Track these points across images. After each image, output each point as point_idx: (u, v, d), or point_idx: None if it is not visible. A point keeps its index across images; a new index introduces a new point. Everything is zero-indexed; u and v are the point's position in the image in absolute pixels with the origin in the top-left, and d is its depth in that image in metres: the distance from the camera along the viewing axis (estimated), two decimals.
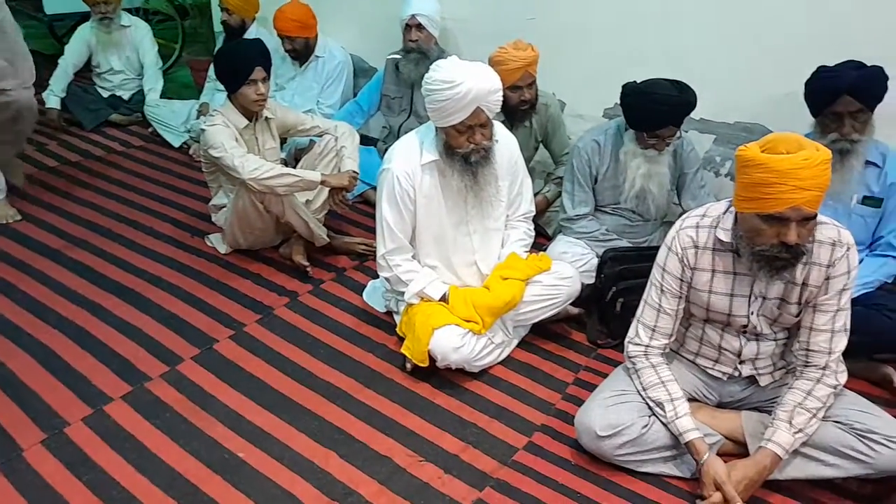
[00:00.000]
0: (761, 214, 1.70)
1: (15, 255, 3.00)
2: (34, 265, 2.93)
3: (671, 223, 2.00)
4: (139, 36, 4.46)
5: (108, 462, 1.99)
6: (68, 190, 3.63)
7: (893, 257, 2.39)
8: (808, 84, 2.37)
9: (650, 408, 1.96)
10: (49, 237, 3.16)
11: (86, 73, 4.52)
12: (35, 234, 3.18)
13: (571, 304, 2.57)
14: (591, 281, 2.64)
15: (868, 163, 2.37)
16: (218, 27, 4.44)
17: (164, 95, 4.51)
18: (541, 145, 3.26)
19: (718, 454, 1.92)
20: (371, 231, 2.68)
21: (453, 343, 2.28)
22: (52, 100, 4.28)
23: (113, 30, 4.35)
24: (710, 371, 2.06)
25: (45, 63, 5.16)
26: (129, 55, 4.47)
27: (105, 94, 4.52)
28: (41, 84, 4.42)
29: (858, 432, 1.84)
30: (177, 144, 4.19)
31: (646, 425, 1.93)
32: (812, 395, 1.85)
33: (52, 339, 2.48)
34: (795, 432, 1.82)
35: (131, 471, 1.97)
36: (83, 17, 4.68)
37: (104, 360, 2.39)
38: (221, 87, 3.15)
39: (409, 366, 2.37)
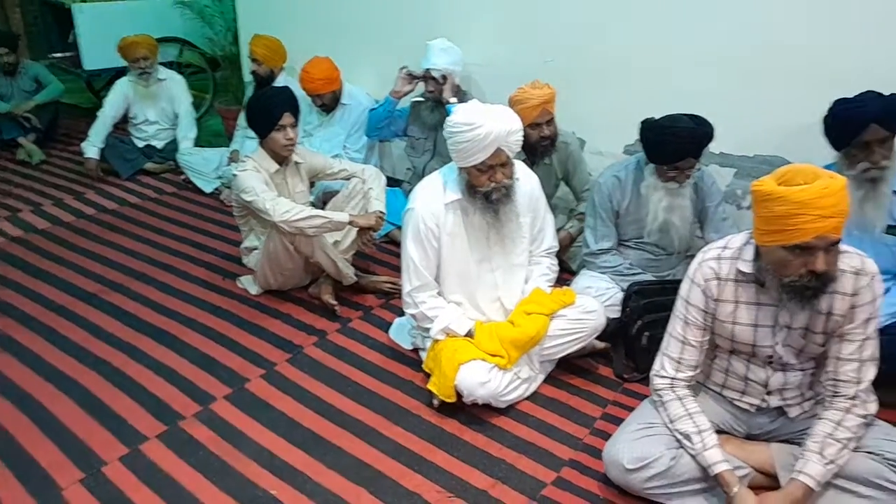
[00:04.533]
0: (786, 246, 1.71)
1: (54, 299, 3.11)
2: (72, 309, 3.03)
3: (694, 256, 2.03)
4: (175, 88, 4.66)
5: (145, 500, 2.03)
6: (105, 236, 3.76)
7: None
8: (830, 118, 2.39)
9: (678, 440, 1.95)
10: (86, 282, 3.27)
11: (122, 124, 4.72)
12: (73, 278, 3.29)
13: (597, 338, 2.58)
14: (617, 315, 2.65)
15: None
16: (248, 77, 4.62)
17: (195, 144, 4.67)
18: (562, 182, 3.31)
19: (749, 487, 1.90)
20: (397, 270, 2.73)
21: (480, 378, 2.30)
22: (91, 150, 4.47)
23: (150, 83, 4.56)
24: (737, 403, 2.06)
25: (84, 116, 5.41)
26: (164, 106, 4.67)
27: (140, 144, 4.70)
28: (81, 136, 4.64)
29: (891, 462, 1.82)
30: (208, 190, 4.33)
31: (674, 458, 1.92)
32: (842, 426, 1.83)
33: (90, 380, 2.56)
34: (827, 463, 1.80)
35: None
36: (119, 73, 4.91)
37: (140, 401, 2.45)
38: (251, 134, 3.26)
39: (436, 402, 2.39)
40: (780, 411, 2.03)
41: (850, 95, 2.37)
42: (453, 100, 3.37)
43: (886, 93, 2.32)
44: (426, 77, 3.49)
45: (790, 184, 1.70)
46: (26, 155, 4.88)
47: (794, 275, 1.73)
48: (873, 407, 1.86)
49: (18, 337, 2.83)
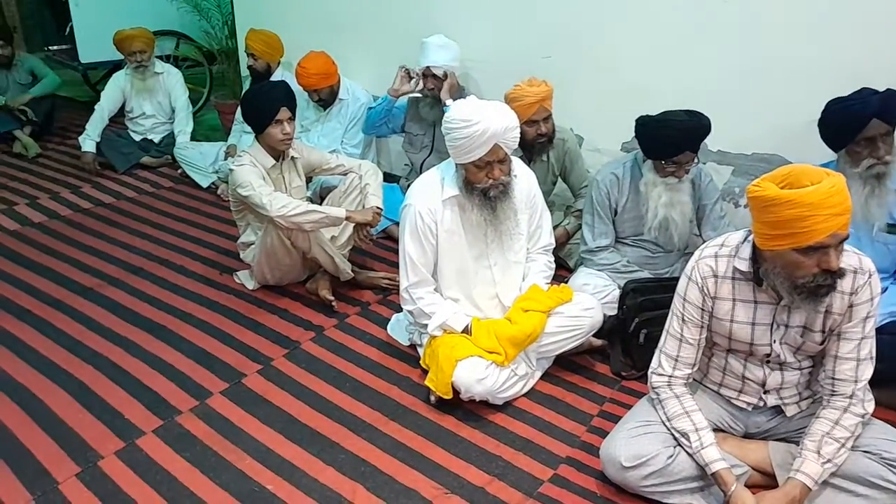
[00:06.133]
0: (799, 248, 1.69)
1: (50, 293, 3.10)
2: (69, 303, 3.02)
3: (692, 254, 2.02)
4: (172, 82, 4.65)
5: (141, 495, 2.02)
6: (102, 230, 3.74)
7: None
8: (828, 117, 2.38)
9: (675, 438, 1.95)
10: (83, 276, 3.25)
11: (118, 117, 4.71)
12: (69, 272, 3.28)
13: (594, 336, 2.58)
14: (614, 312, 2.65)
15: None
16: (244, 72, 4.60)
17: (192, 138, 4.66)
18: (559, 179, 3.31)
19: (746, 486, 1.90)
20: (394, 266, 2.73)
21: (477, 375, 2.30)
22: (88, 144, 4.46)
23: (147, 77, 4.55)
24: (734, 401, 2.06)
25: (81, 109, 5.39)
26: (160, 100, 4.65)
27: (137, 138, 4.69)
28: (77, 129, 4.62)
29: (888, 462, 1.81)
30: (205, 185, 4.32)
31: (671, 456, 1.92)
32: (840, 425, 1.83)
33: (86, 374, 2.55)
34: (824, 462, 1.80)
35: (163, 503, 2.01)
36: (116, 66, 4.89)
37: (136, 395, 2.45)
38: (248, 129, 3.24)
39: (433, 398, 2.39)
40: (778, 410, 2.03)
41: (843, 95, 2.37)
42: (450, 101, 3.36)
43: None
44: (425, 74, 3.48)
45: (795, 186, 1.67)
46: (22, 148, 4.86)
47: (808, 275, 1.70)
48: (871, 406, 1.86)
49: (14, 331, 2.82)
